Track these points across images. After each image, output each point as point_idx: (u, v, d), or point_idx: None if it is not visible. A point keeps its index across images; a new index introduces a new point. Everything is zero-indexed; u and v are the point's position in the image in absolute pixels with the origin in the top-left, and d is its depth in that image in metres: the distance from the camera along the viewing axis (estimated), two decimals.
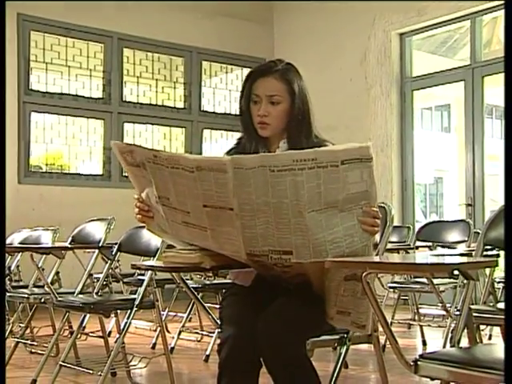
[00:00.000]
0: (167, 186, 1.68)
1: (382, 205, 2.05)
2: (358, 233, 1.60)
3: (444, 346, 3.70)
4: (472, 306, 1.87)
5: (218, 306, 2.08)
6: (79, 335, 3.48)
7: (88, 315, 3.26)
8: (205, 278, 4.51)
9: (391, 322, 4.40)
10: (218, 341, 1.82)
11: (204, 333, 4.37)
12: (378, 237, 1.96)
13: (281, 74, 1.96)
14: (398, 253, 4.15)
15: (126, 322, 2.94)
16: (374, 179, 1.58)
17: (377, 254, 2.00)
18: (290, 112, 1.97)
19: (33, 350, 3.99)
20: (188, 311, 4.33)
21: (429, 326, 4.60)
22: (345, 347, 1.91)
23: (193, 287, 2.28)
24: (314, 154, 1.54)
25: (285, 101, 1.96)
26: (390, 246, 4.09)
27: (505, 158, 1.45)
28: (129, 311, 2.96)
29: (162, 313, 3.56)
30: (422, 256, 2.22)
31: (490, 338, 4.38)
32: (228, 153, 2.05)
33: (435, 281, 3.73)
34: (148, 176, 1.72)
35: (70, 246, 3.73)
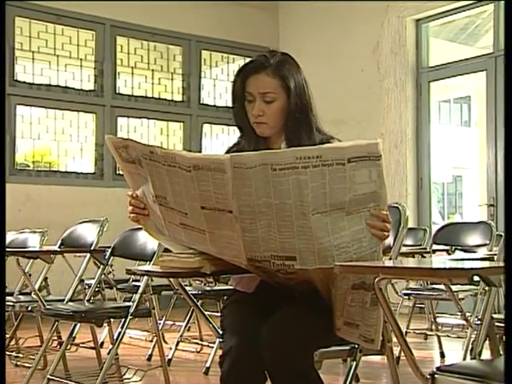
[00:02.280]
0: (164, 184, 1.69)
1: (396, 205, 2.05)
2: (367, 238, 1.60)
3: (464, 359, 3.70)
4: (494, 315, 1.87)
5: (219, 315, 2.08)
6: (69, 346, 3.49)
7: (79, 324, 3.27)
8: (205, 284, 4.52)
9: (406, 332, 4.40)
10: (220, 352, 1.83)
11: (204, 343, 4.38)
12: (391, 240, 1.96)
13: (273, 70, 1.96)
14: (414, 257, 4.15)
15: (120, 332, 2.95)
16: (384, 179, 1.58)
17: (390, 258, 2.00)
18: (286, 109, 1.98)
19: (18, 363, 3.99)
20: (187, 320, 4.34)
21: (447, 336, 4.60)
22: (356, 359, 1.91)
23: (192, 294, 2.29)
24: (319, 151, 1.54)
25: (280, 98, 1.97)
26: (404, 249, 4.09)
27: (505, 161, 1.45)
28: (123, 320, 2.96)
29: (158, 322, 3.57)
30: (440, 260, 2.22)
31: None
32: (227, 153, 2.06)
33: (454, 288, 3.73)
34: (144, 173, 1.73)
35: (59, 249, 3.73)
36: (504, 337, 1.24)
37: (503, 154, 1.45)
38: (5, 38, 5.98)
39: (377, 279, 1.47)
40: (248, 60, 2.06)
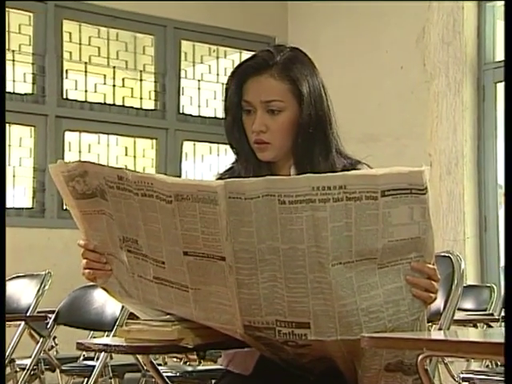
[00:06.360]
0: (136, 222, 1.71)
1: (448, 254, 2.07)
2: (406, 300, 1.63)
3: None
4: None
5: None
6: None
7: None
8: (185, 363, 4.52)
9: None
10: None
11: None
12: (441, 303, 1.98)
13: (280, 70, 2.00)
14: (476, 326, 4.15)
15: None
16: (431, 220, 1.61)
17: (440, 329, 2.02)
18: (297, 122, 2.01)
19: None
20: None
21: None
22: None
23: (167, 376, 2.29)
24: (343, 180, 1.57)
25: (289, 107, 2.01)
26: (461, 315, 4.09)
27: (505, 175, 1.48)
28: None
29: None
30: None
31: None
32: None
33: None
34: (108, 209, 1.75)
35: None
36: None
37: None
38: (5, 37, 6.09)
39: (421, 357, 1.48)
40: (246, 56, 2.09)
